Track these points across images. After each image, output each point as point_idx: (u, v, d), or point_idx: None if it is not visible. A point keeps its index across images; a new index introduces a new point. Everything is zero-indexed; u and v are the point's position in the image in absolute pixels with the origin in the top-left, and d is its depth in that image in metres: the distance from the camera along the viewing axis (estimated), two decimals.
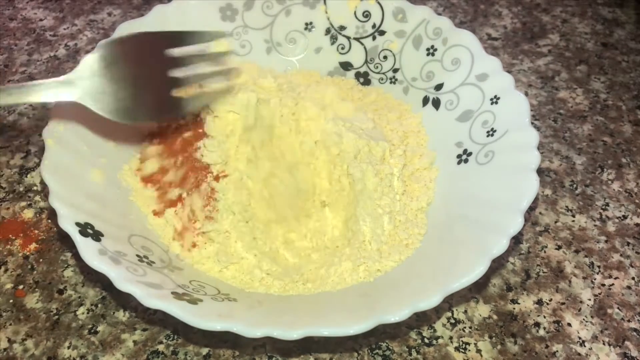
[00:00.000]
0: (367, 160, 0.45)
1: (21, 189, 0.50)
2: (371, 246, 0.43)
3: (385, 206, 0.44)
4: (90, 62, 0.37)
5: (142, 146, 0.48)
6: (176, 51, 0.39)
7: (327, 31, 0.57)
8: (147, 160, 0.47)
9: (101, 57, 0.37)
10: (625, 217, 0.49)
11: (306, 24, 0.57)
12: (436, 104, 0.51)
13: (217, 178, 0.43)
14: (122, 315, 0.42)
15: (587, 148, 0.55)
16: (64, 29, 0.66)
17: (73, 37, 0.65)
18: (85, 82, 0.36)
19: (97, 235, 0.38)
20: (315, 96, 0.48)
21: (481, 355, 0.40)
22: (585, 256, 0.47)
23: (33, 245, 0.46)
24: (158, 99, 0.38)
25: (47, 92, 0.36)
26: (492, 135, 0.46)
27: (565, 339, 0.41)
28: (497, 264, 0.46)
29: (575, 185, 0.52)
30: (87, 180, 0.42)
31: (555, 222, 0.49)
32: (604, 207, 0.50)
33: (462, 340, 0.41)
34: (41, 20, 0.67)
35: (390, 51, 0.55)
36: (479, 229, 0.40)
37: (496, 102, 0.47)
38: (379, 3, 0.54)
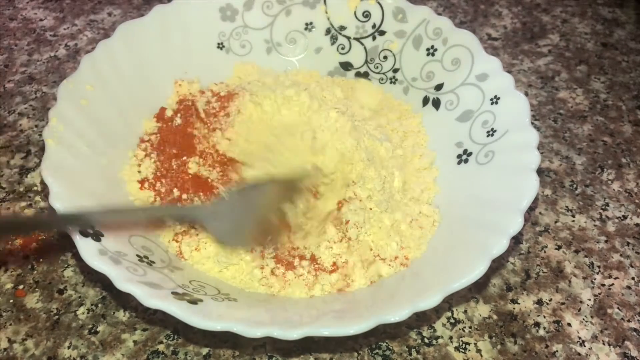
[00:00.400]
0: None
1: (21, 189, 0.50)
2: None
3: None
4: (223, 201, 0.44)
5: (140, 148, 0.48)
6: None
7: (327, 31, 0.57)
8: (142, 163, 0.47)
9: (230, 200, 0.43)
10: (625, 217, 0.49)
11: (306, 24, 0.57)
12: (436, 104, 0.51)
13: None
14: (122, 315, 0.42)
15: (587, 148, 0.55)
16: (64, 29, 0.66)
17: (73, 37, 0.65)
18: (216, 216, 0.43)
19: (97, 235, 0.38)
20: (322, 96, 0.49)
21: (481, 355, 0.40)
22: (585, 256, 0.47)
23: (33, 245, 0.46)
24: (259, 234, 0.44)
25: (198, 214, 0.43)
26: (492, 135, 0.46)
27: (565, 339, 0.41)
28: (497, 264, 0.46)
29: (575, 185, 0.52)
30: (88, 180, 0.42)
31: (555, 222, 0.49)
32: (604, 207, 0.50)
33: (462, 340, 0.41)
34: (41, 20, 0.67)
35: (391, 51, 0.55)
36: (479, 229, 0.40)
37: (496, 102, 0.47)
38: (379, 3, 0.54)
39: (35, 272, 0.44)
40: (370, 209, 0.44)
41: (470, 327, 0.42)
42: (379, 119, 0.51)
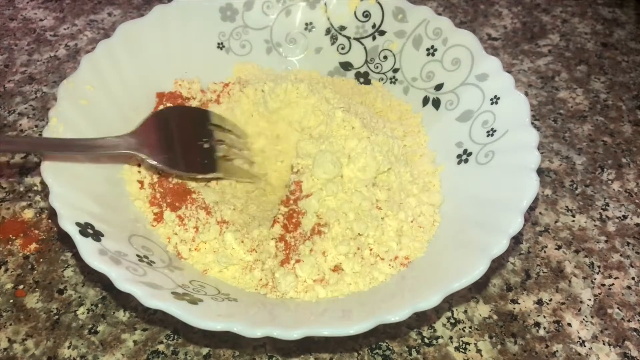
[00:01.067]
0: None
1: (21, 189, 0.50)
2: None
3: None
4: (148, 122, 0.45)
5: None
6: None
7: (327, 31, 0.57)
8: (142, 163, 0.47)
9: (156, 119, 0.46)
10: (625, 217, 0.49)
11: (306, 24, 0.57)
12: (436, 104, 0.51)
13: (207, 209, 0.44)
14: (122, 315, 0.42)
15: (587, 148, 0.55)
16: (64, 29, 0.66)
17: (73, 37, 0.65)
18: (140, 138, 0.44)
19: (97, 235, 0.38)
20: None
21: (481, 355, 0.40)
22: (585, 256, 0.47)
23: (33, 245, 0.46)
24: (194, 158, 0.46)
25: (110, 146, 0.42)
26: (492, 135, 0.46)
27: (565, 339, 0.41)
28: (497, 264, 0.46)
29: (575, 185, 0.52)
30: (88, 180, 0.42)
31: (555, 222, 0.49)
32: (604, 207, 0.50)
33: (462, 340, 0.41)
34: (41, 20, 0.67)
35: (391, 51, 0.55)
36: (479, 229, 0.40)
37: (496, 102, 0.47)
38: (379, 3, 0.54)
39: (35, 272, 0.44)
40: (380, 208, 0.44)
41: (470, 327, 0.42)
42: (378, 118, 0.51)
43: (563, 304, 0.43)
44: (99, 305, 0.42)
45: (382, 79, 0.55)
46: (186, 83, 0.53)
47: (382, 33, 0.55)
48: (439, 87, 0.51)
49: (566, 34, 0.68)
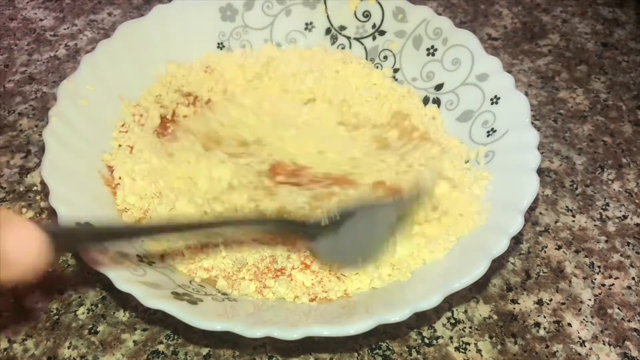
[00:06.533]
0: None
1: (21, 189, 0.50)
2: None
3: None
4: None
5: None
6: None
7: (327, 31, 0.57)
8: None
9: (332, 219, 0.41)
10: (625, 217, 0.49)
11: (306, 24, 0.57)
12: (436, 104, 0.51)
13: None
14: (122, 315, 0.42)
15: (587, 148, 0.55)
16: (64, 29, 0.66)
17: (73, 37, 0.65)
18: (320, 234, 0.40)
19: None
20: None
21: (481, 355, 0.40)
22: (586, 256, 0.46)
23: None
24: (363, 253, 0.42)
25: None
26: (492, 135, 0.46)
27: (565, 339, 0.41)
28: (497, 264, 0.46)
29: (575, 185, 0.52)
30: (87, 180, 0.42)
31: (555, 222, 0.49)
32: (604, 207, 0.50)
33: (462, 340, 0.41)
34: (41, 20, 0.67)
35: (391, 51, 0.55)
36: (479, 229, 0.40)
37: (496, 102, 0.47)
38: (379, 3, 0.54)
39: None
40: None
41: (470, 327, 0.42)
42: None
43: (563, 304, 0.43)
44: (99, 305, 0.42)
45: None
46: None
47: (382, 33, 0.55)
48: (439, 87, 0.51)
49: (566, 34, 0.68)
